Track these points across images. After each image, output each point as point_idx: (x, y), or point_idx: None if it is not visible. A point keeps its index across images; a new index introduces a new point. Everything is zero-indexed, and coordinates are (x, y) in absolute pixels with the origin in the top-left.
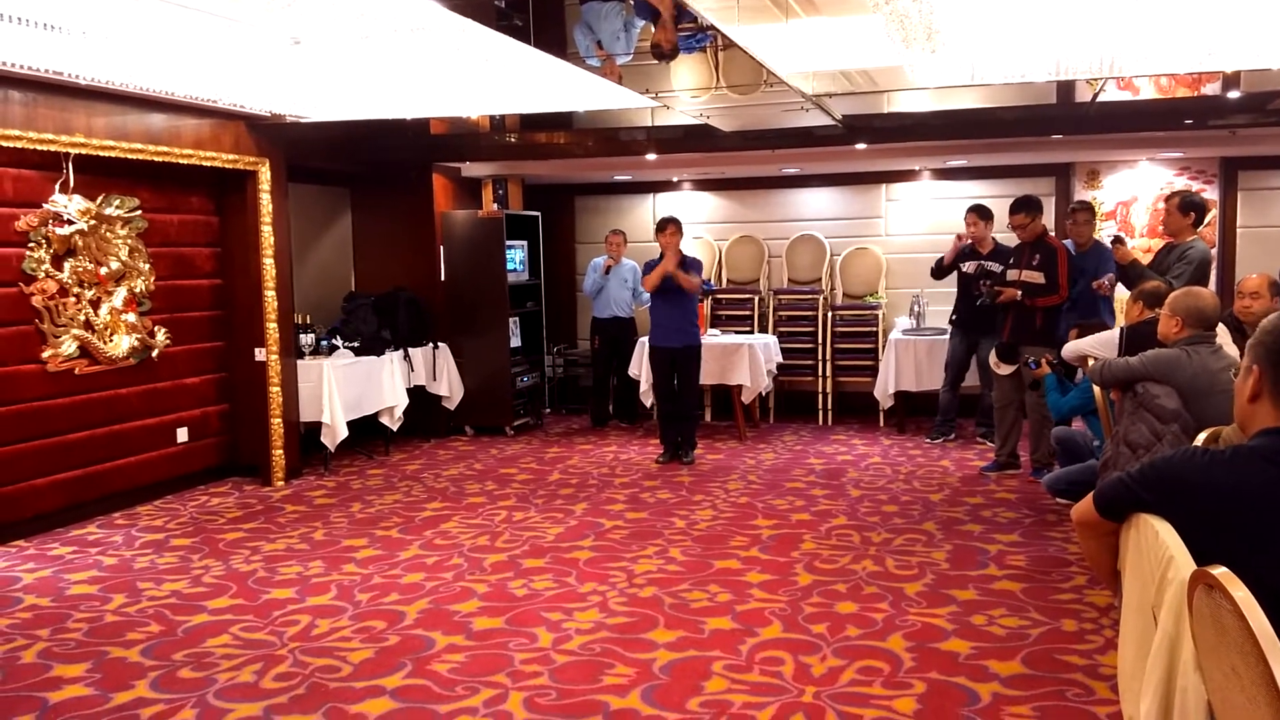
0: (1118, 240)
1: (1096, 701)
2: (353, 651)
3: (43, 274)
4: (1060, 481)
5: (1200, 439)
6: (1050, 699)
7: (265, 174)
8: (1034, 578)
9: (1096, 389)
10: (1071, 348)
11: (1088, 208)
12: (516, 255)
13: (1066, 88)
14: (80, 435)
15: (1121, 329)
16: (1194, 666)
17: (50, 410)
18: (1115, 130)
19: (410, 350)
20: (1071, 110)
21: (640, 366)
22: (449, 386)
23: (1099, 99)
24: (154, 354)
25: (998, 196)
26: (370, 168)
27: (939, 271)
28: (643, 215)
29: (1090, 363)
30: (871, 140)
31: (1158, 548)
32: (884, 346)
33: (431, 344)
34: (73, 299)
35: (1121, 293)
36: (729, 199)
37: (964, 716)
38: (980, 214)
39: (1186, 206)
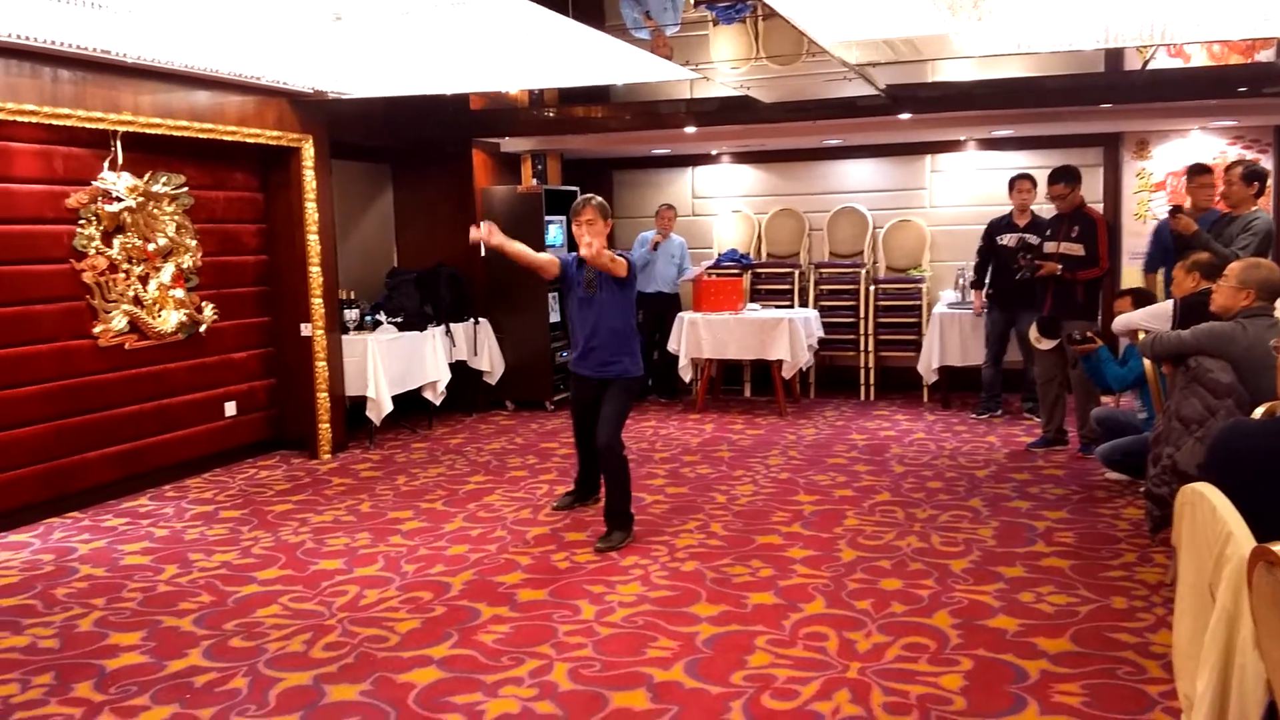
0: (1176, 210)
1: (1148, 680)
2: (400, 622)
3: (93, 250)
4: (1115, 452)
5: (1258, 413)
6: (1100, 677)
7: (309, 150)
8: (1083, 554)
9: (1147, 362)
10: (1122, 321)
11: (1207, 169)
12: (555, 230)
13: (1115, 55)
14: (131, 409)
15: (1175, 301)
16: (1253, 644)
17: (101, 385)
18: (1166, 99)
19: (452, 326)
20: (1120, 78)
21: (680, 341)
22: (490, 361)
23: (1149, 67)
24: (202, 329)
25: (1044, 167)
26: (411, 144)
27: (979, 283)
28: (681, 189)
29: (1140, 336)
30: (915, 110)
31: (1215, 524)
32: (928, 320)
33: (472, 319)
34: (122, 275)
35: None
36: (769, 171)
37: (1011, 694)
38: (1034, 181)
39: (1250, 176)
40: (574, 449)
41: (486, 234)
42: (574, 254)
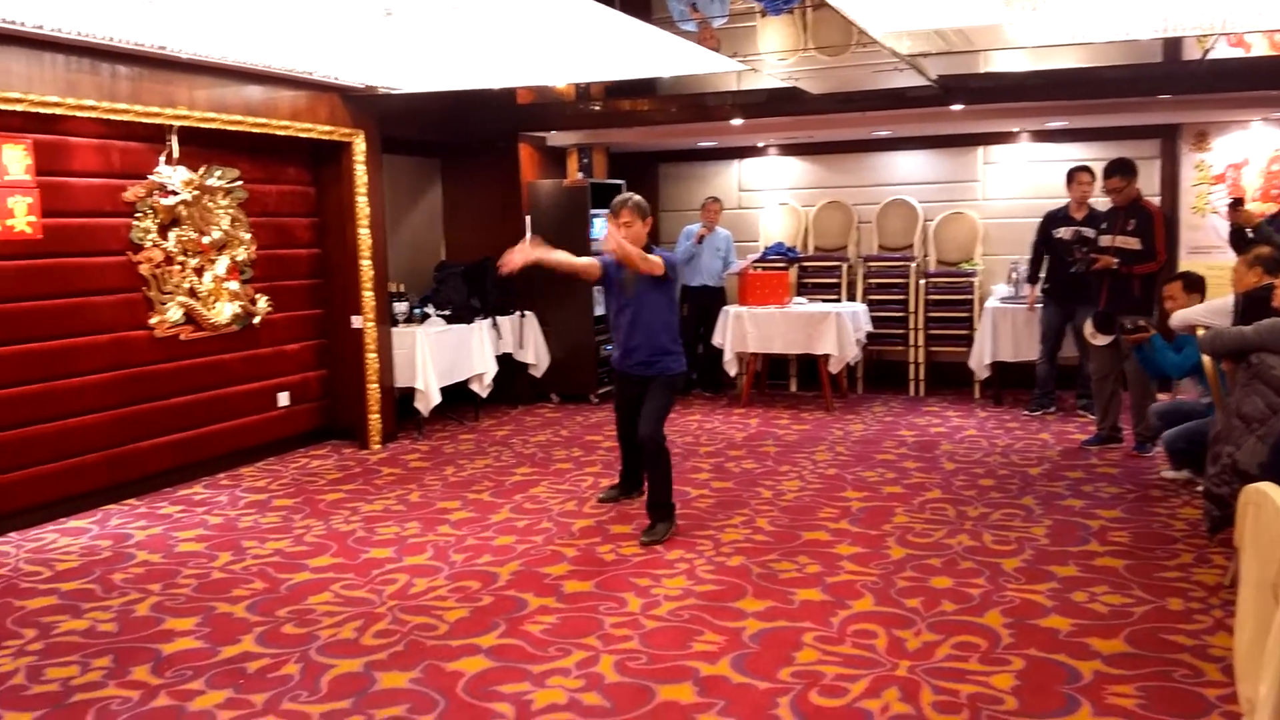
0: (1237, 203)
1: (1206, 683)
2: (449, 610)
3: (149, 243)
4: (1180, 439)
5: None
6: (1156, 679)
7: (360, 145)
8: (1137, 554)
9: (1206, 359)
10: (1180, 316)
11: None
12: (601, 224)
13: (1174, 45)
14: (186, 399)
15: (1237, 296)
16: None
17: (157, 375)
18: (1226, 90)
19: (498, 319)
20: (1179, 69)
21: (725, 335)
22: (535, 354)
23: (1209, 57)
24: (255, 321)
25: (1100, 159)
26: (459, 138)
27: (1033, 276)
28: (727, 182)
29: (1199, 332)
30: (968, 101)
31: (1278, 525)
32: (979, 315)
33: (518, 313)
34: (178, 267)
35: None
36: (817, 164)
37: (1064, 694)
38: (1093, 174)
39: None
40: (618, 443)
41: (527, 252)
42: (610, 255)
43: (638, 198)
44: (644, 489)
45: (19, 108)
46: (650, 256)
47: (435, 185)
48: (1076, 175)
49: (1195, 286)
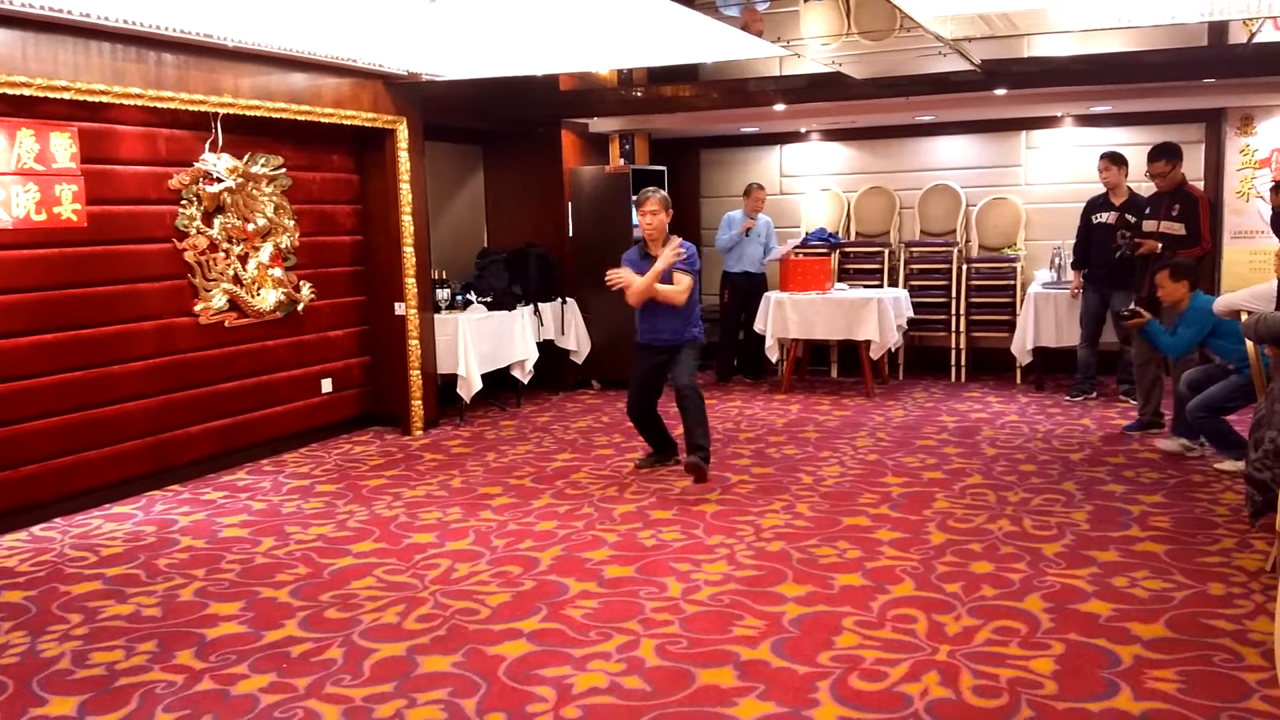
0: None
1: (1246, 668)
2: (490, 595)
3: (194, 230)
4: (1200, 408)
5: None
6: (1196, 664)
7: (403, 132)
8: (1179, 540)
9: (1249, 344)
10: (1224, 302)
11: None
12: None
13: (1219, 29)
14: (230, 385)
15: None
16: None
17: (202, 361)
18: (1271, 73)
19: (540, 305)
20: (1224, 52)
21: (766, 321)
22: (576, 341)
23: (1254, 40)
24: (299, 308)
25: (1144, 144)
26: (502, 125)
27: (1078, 263)
28: (769, 167)
29: (1244, 316)
30: (1011, 86)
31: None
32: (1022, 301)
33: (560, 299)
34: (222, 254)
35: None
36: (859, 149)
37: (1104, 679)
38: (1115, 160)
39: None
40: (631, 419)
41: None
42: (634, 248)
43: (662, 191)
44: (678, 452)
45: (66, 95)
46: (676, 288)
47: (477, 172)
48: (1099, 162)
49: (1181, 274)
